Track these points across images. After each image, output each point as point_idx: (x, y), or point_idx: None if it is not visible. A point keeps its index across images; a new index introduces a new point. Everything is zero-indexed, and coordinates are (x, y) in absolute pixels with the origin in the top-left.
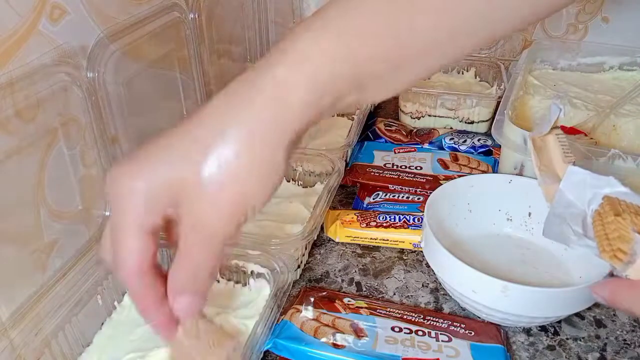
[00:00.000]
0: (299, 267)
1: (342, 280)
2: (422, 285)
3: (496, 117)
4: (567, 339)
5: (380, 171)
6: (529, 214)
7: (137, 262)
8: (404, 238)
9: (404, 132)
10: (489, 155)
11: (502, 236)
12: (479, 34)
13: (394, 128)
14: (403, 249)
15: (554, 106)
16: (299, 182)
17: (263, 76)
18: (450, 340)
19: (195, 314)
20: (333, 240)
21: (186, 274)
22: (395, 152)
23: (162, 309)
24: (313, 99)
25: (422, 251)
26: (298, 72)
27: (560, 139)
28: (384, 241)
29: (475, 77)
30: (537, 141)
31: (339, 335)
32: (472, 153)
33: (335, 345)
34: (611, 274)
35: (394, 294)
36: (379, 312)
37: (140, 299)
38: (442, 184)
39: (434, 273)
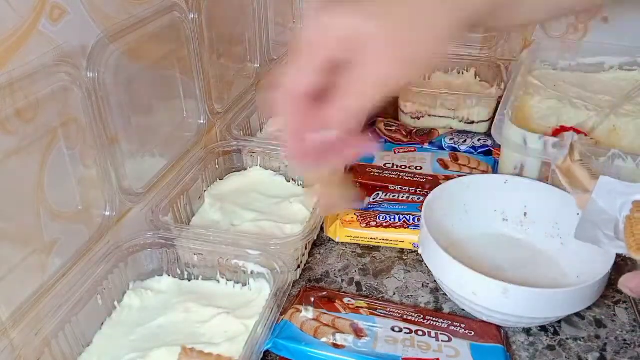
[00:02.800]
0: (299, 267)
1: (342, 280)
2: (422, 285)
3: (496, 117)
4: (567, 339)
5: (380, 171)
6: (525, 214)
7: (305, 86)
8: (404, 238)
9: (404, 132)
10: (489, 155)
11: (498, 236)
12: None
13: (394, 128)
14: (403, 249)
15: (568, 133)
16: (299, 182)
17: None
18: (450, 340)
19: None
20: (333, 240)
21: (338, 112)
22: (395, 152)
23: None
24: None
25: None
26: None
27: (584, 164)
28: (384, 241)
29: (475, 77)
30: (562, 167)
31: (339, 335)
32: (472, 153)
33: (335, 345)
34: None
35: (394, 294)
36: (379, 312)
37: (293, 120)
38: (441, 184)
39: None
